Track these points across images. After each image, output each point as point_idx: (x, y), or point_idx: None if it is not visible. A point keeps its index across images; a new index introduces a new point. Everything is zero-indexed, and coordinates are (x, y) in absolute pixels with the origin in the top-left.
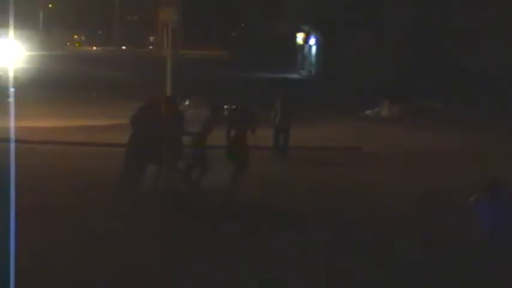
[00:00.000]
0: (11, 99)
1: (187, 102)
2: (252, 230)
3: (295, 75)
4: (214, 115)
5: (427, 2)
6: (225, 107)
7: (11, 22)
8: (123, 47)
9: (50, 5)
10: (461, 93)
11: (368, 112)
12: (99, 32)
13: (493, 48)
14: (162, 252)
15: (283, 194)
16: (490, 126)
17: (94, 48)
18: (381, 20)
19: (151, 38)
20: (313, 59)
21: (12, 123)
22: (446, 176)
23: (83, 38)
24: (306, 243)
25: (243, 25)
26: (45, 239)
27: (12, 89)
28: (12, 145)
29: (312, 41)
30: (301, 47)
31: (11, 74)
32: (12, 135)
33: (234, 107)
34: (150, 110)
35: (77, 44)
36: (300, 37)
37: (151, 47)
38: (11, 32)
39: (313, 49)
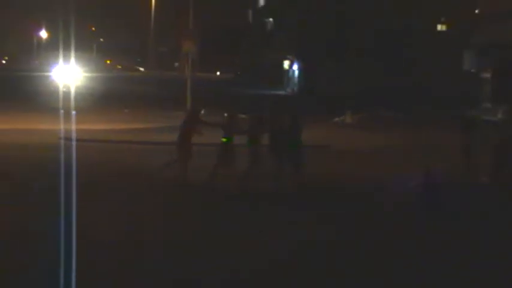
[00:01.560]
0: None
1: (203, 111)
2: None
3: (281, 92)
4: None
5: (379, 37)
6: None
7: (72, 51)
8: (155, 70)
9: (101, 39)
10: (407, 104)
11: (335, 120)
12: (138, 60)
13: (430, 71)
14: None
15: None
16: (429, 129)
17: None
18: (343, 50)
19: (176, 64)
20: (296, 79)
21: (73, 126)
22: (392, 165)
23: (125, 64)
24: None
25: (243, 54)
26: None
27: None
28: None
29: (295, 66)
30: (287, 71)
31: (72, 90)
32: (74, 135)
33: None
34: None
35: (119, 66)
36: (286, 63)
37: (175, 71)
38: (72, 58)
39: (296, 73)
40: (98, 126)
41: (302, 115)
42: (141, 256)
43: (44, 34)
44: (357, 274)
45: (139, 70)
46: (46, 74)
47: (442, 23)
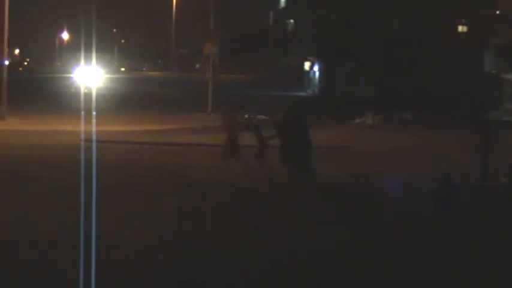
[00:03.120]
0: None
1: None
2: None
3: (302, 93)
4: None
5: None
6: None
7: (94, 52)
8: (176, 72)
9: (123, 41)
10: (426, 106)
11: (356, 121)
12: (159, 61)
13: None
14: None
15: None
16: (448, 130)
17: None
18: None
19: (197, 66)
20: (316, 81)
21: (94, 127)
22: (413, 166)
23: (146, 65)
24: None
25: (264, 55)
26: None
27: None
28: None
29: (316, 68)
30: (308, 72)
31: (93, 91)
32: (94, 137)
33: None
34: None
35: (122, 69)
36: (306, 65)
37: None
38: (94, 59)
39: (316, 74)
40: (119, 127)
41: (320, 116)
42: (167, 258)
43: (65, 36)
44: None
45: (141, 70)
46: (68, 75)
47: (462, 24)
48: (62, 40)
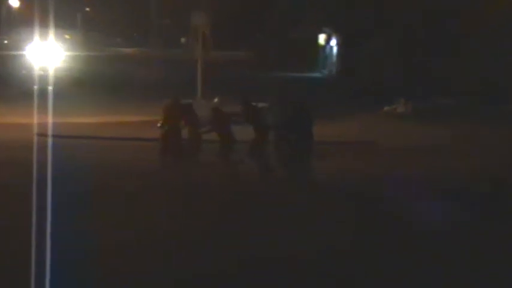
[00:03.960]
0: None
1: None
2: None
3: (316, 74)
4: None
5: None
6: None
7: (51, 24)
8: (157, 49)
9: (87, 9)
10: (467, 92)
11: (385, 109)
12: (135, 35)
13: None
14: None
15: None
16: (494, 122)
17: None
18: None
19: (182, 40)
20: (334, 59)
21: (50, 119)
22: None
23: (119, 40)
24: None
25: (268, 28)
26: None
27: (50, 87)
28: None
29: (333, 42)
30: (323, 47)
31: (50, 73)
32: (50, 131)
33: None
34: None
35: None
36: (321, 38)
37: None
38: (51, 33)
39: (334, 50)
40: (84, 119)
41: (338, 103)
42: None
43: (15, 2)
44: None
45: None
46: (18, 53)
47: None
48: (10, 8)
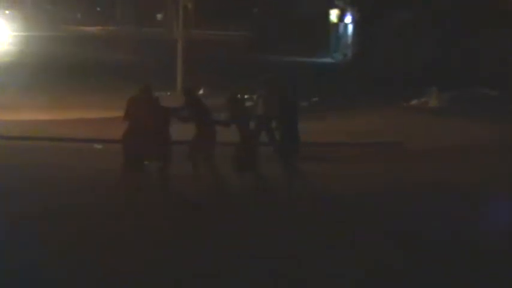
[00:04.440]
0: None
1: (201, 91)
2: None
3: (327, 59)
4: None
5: None
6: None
7: None
8: (127, 26)
9: None
10: None
11: (413, 102)
12: (98, 9)
13: None
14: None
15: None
16: None
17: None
18: None
19: (158, 16)
20: (349, 40)
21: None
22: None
23: (79, 15)
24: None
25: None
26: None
27: None
28: None
29: (348, 18)
30: (335, 26)
31: None
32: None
33: None
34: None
35: None
36: (333, 14)
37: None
38: None
39: (349, 28)
40: (36, 115)
41: (355, 93)
42: None
43: None
44: None
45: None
46: None
47: None
48: None
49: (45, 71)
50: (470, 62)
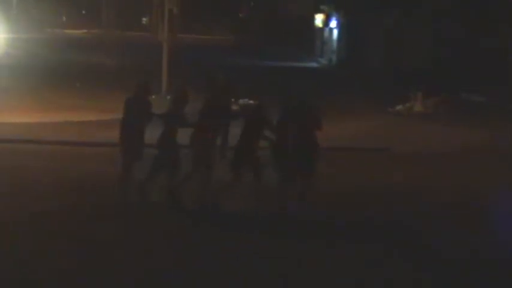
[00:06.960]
0: None
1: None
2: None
3: (312, 64)
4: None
5: None
6: None
7: None
8: (113, 30)
9: None
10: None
11: (398, 107)
12: (83, 12)
13: None
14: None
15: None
16: None
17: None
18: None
19: (143, 20)
20: (335, 44)
21: None
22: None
23: (64, 18)
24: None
25: (252, 4)
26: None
27: None
28: None
29: (333, 23)
30: (321, 30)
31: None
32: None
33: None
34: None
35: None
36: (318, 19)
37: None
38: None
39: (335, 33)
40: (22, 117)
41: (341, 99)
42: None
43: None
44: None
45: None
46: None
47: None
48: None
49: (30, 74)
50: (457, 66)
